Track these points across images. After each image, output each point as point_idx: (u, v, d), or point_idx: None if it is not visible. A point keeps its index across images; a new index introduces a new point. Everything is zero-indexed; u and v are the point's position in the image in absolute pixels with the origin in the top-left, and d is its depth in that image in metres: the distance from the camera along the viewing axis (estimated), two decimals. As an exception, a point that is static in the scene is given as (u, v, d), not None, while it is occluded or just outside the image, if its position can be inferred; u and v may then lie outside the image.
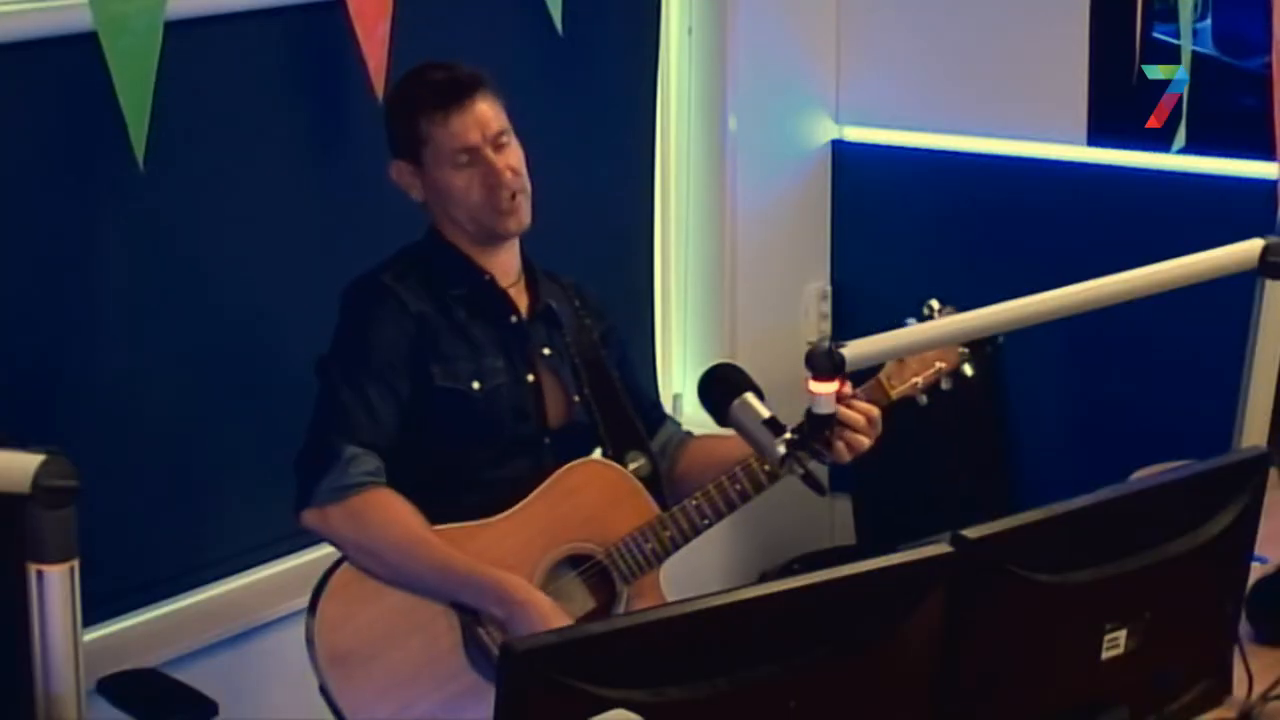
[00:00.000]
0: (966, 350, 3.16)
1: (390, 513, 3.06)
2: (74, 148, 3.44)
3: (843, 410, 3.08)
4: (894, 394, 3.15)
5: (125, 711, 3.32)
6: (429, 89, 3.19)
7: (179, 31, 3.30)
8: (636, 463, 3.26)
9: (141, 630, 3.68)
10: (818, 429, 2.84)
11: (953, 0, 4.81)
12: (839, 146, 5.00)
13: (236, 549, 3.84)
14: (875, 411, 3.12)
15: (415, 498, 3.13)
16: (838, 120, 5.00)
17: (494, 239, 3.22)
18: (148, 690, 3.39)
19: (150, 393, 3.64)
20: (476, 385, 3.16)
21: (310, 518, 3.10)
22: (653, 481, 3.26)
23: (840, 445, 3.11)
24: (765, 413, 2.88)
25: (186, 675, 3.49)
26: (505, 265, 3.25)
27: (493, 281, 3.23)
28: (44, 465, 2.21)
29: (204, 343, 3.72)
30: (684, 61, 4.71)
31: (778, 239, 4.92)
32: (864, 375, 3.14)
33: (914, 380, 3.16)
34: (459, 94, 3.17)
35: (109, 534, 3.44)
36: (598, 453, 3.30)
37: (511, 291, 3.25)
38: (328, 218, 3.90)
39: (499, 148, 3.18)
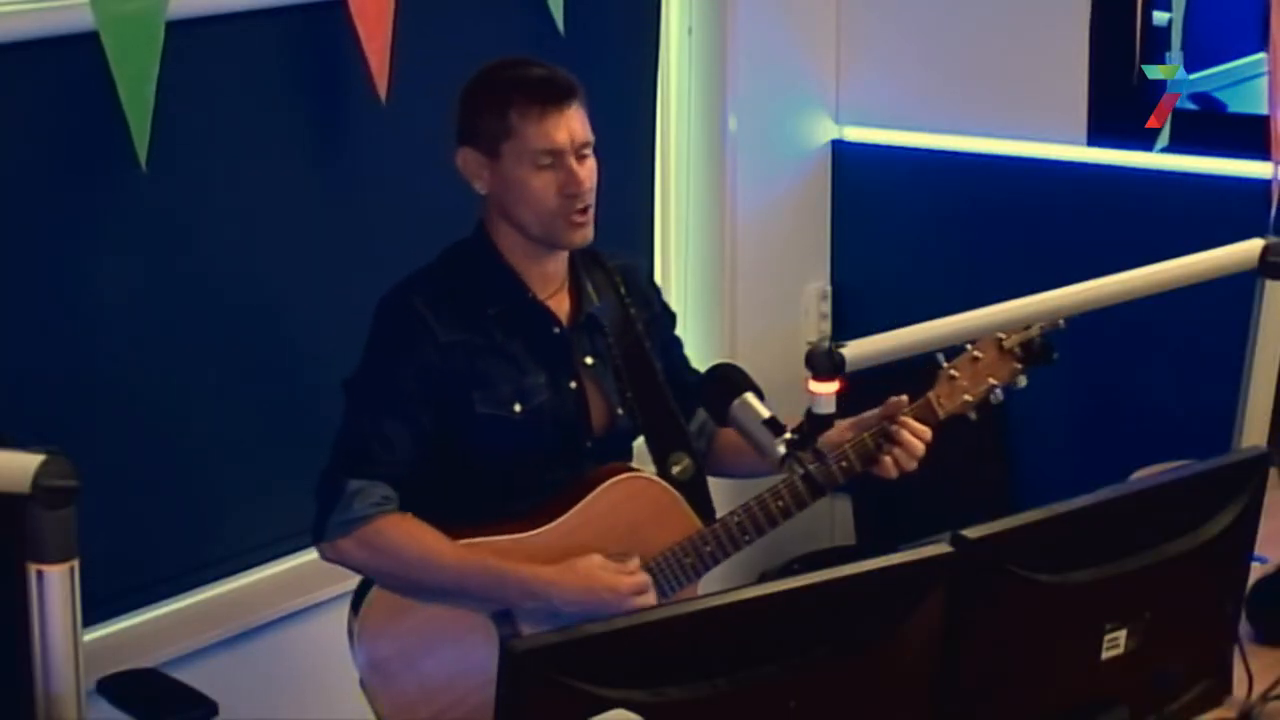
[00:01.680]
0: (1020, 365, 3.13)
1: (400, 535, 3.07)
2: (75, 148, 3.44)
3: (894, 429, 3.07)
4: (943, 414, 3.12)
5: (125, 711, 3.33)
6: (528, 84, 3.12)
7: (180, 31, 3.30)
8: (679, 465, 3.24)
9: (141, 630, 3.68)
10: (818, 429, 2.84)
11: (953, 0, 4.81)
12: (839, 146, 5.00)
13: (237, 549, 3.84)
14: (927, 433, 3.11)
15: (455, 507, 3.13)
16: (838, 120, 5.00)
17: (554, 248, 3.18)
18: (148, 690, 3.39)
19: (150, 392, 3.64)
20: (518, 408, 3.14)
21: (325, 552, 3.13)
22: (696, 483, 3.25)
23: (888, 461, 3.10)
24: (765, 413, 2.87)
25: (186, 675, 3.49)
26: (551, 274, 3.21)
27: (534, 299, 3.18)
28: (44, 465, 2.21)
29: (205, 343, 3.71)
30: (684, 61, 4.71)
31: (778, 239, 4.92)
32: (916, 393, 3.13)
33: (965, 398, 3.12)
34: (558, 96, 3.12)
35: (109, 534, 3.44)
36: (641, 441, 3.28)
37: (552, 303, 3.20)
38: (329, 218, 3.89)
39: (581, 159, 3.13)
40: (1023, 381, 3.13)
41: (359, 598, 3.15)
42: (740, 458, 3.32)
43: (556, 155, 3.11)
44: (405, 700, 3.10)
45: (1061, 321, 3.11)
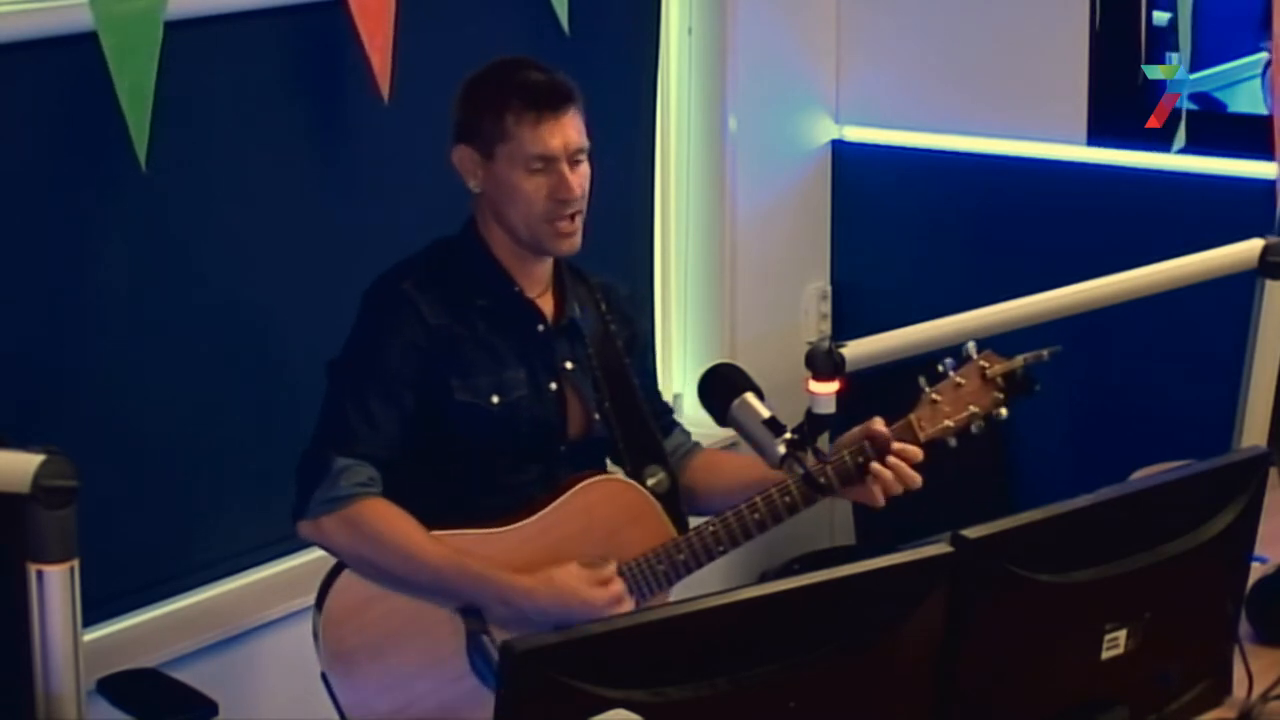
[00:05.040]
0: (1002, 395, 3.13)
1: (383, 522, 3.06)
2: (74, 148, 3.44)
3: (886, 449, 3.05)
4: (924, 437, 3.11)
5: (125, 711, 3.33)
6: (527, 88, 3.12)
7: (179, 31, 3.30)
8: (655, 478, 3.23)
9: (141, 630, 3.68)
10: (818, 429, 2.84)
11: (953, 0, 4.82)
12: (839, 146, 5.00)
13: (236, 549, 3.84)
14: (919, 455, 3.09)
15: (429, 500, 3.13)
16: (838, 120, 5.00)
17: (540, 254, 3.19)
18: (148, 690, 3.39)
19: (151, 392, 3.64)
20: (496, 399, 3.14)
21: (305, 529, 3.11)
22: (670, 496, 3.24)
23: (875, 489, 3.07)
24: (765, 413, 2.87)
25: (186, 675, 3.50)
26: (537, 275, 3.21)
27: (521, 293, 3.19)
28: (44, 465, 2.21)
29: (206, 343, 3.71)
30: (684, 61, 4.71)
31: (778, 239, 4.92)
32: (895, 415, 3.11)
33: (945, 423, 3.11)
34: (555, 101, 3.11)
35: (108, 534, 3.44)
36: (616, 468, 3.28)
37: (538, 302, 3.21)
38: (328, 218, 3.89)
39: (574, 164, 3.13)
40: (1003, 413, 3.12)
41: (323, 593, 3.13)
42: (700, 497, 3.30)
43: (549, 161, 3.11)
44: (367, 693, 3.09)
45: (1045, 353, 3.10)
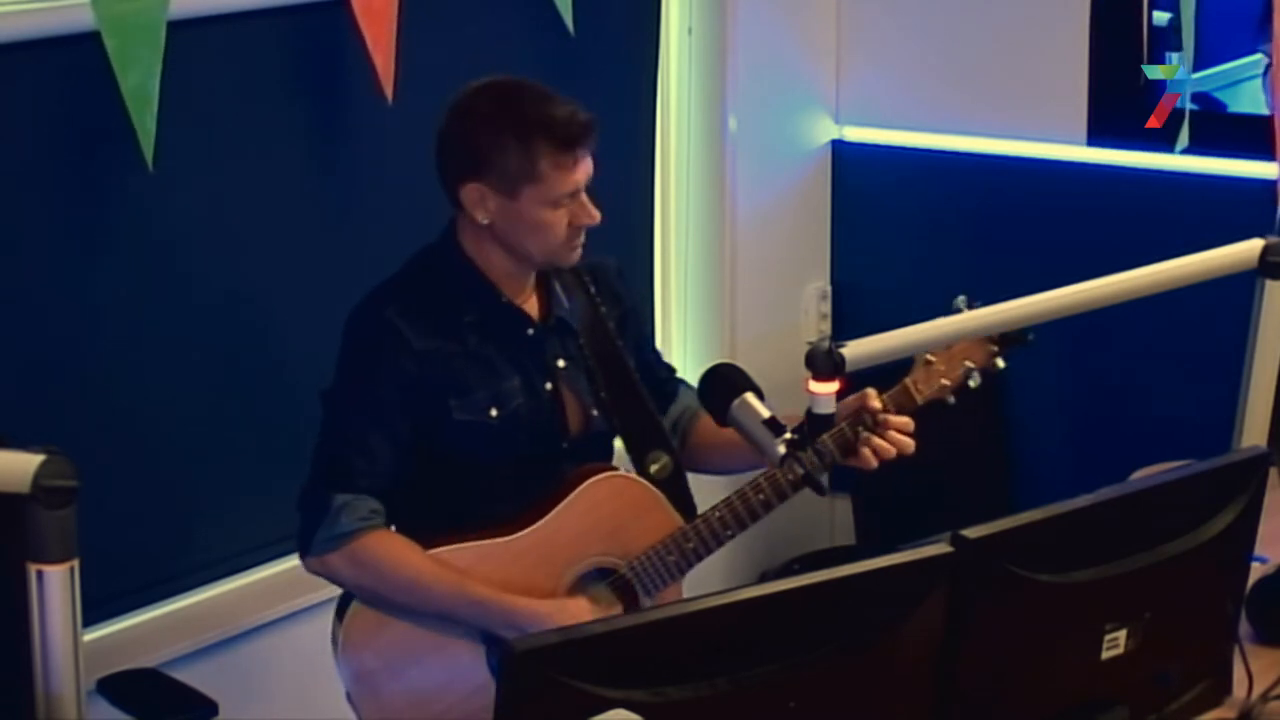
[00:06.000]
0: (996, 347, 3.13)
1: (386, 555, 3.07)
2: (75, 148, 3.44)
3: (880, 419, 3.05)
4: (921, 400, 3.11)
5: (125, 711, 3.33)
6: (557, 127, 3.06)
7: (182, 31, 3.30)
8: (658, 463, 3.24)
9: (141, 630, 3.68)
10: (818, 429, 2.84)
11: (953, 0, 4.82)
12: (839, 146, 5.00)
13: (237, 549, 3.84)
14: (909, 424, 3.10)
15: (434, 514, 3.14)
16: (838, 120, 5.00)
17: (547, 267, 3.19)
18: (148, 690, 3.39)
19: (151, 392, 3.64)
20: (495, 413, 3.13)
21: (312, 565, 3.13)
22: (674, 480, 3.25)
23: (866, 452, 3.09)
24: (765, 413, 2.87)
25: (186, 675, 3.50)
26: (522, 279, 3.20)
27: (508, 302, 3.18)
28: (44, 465, 2.21)
29: (207, 342, 3.71)
30: (684, 61, 4.71)
31: (778, 239, 4.92)
32: (891, 380, 3.11)
33: (942, 383, 3.12)
34: (584, 140, 3.08)
35: (108, 534, 3.44)
36: (618, 442, 3.28)
37: (525, 306, 3.21)
38: (331, 219, 3.89)
39: (586, 191, 3.15)
40: (1000, 364, 3.12)
41: (344, 604, 3.15)
42: (712, 455, 3.32)
43: (574, 195, 3.11)
44: (392, 712, 3.10)
45: None
